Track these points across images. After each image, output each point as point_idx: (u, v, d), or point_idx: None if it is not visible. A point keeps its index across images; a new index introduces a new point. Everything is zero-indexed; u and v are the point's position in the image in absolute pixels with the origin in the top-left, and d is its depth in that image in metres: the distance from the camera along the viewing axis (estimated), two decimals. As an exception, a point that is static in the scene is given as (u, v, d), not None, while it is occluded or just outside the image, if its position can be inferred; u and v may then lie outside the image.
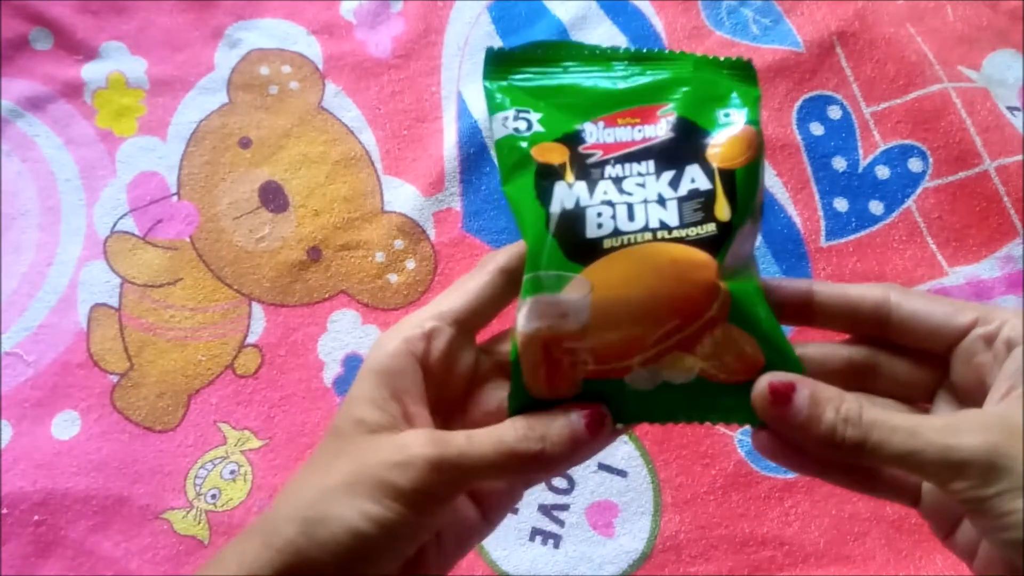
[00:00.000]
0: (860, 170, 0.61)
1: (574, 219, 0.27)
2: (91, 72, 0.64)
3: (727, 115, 0.28)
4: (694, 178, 0.27)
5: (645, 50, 0.30)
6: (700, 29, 0.65)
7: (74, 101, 0.64)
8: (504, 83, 0.29)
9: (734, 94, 0.29)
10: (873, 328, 0.29)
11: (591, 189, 0.27)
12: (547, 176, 0.28)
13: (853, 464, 0.29)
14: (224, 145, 0.63)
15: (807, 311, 0.29)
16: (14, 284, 0.60)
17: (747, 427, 0.28)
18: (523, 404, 0.27)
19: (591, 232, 0.26)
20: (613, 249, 0.26)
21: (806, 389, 0.26)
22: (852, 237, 0.60)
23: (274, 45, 0.65)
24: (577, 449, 0.26)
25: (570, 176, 0.27)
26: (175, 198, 0.62)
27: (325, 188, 0.62)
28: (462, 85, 0.64)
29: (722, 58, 0.30)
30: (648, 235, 0.26)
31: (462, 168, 0.62)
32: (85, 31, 0.64)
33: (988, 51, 0.63)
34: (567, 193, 0.27)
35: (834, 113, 0.63)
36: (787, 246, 0.60)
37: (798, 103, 0.63)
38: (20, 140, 0.63)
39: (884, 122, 0.62)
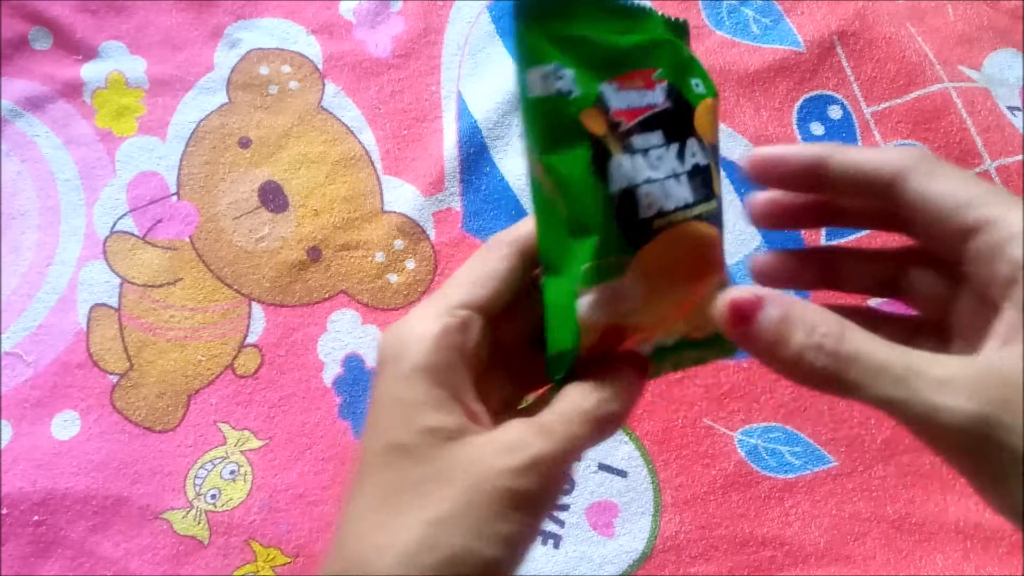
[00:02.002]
0: (860, 170, 0.61)
1: (631, 199, 0.25)
2: (90, 72, 0.64)
3: (696, 84, 0.27)
4: (694, 152, 0.26)
5: (632, 2, 0.27)
6: (701, 29, 0.65)
7: (73, 101, 0.64)
8: (539, 30, 0.25)
9: (693, 61, 0.28)
10: (887, 202, 0.25)
11: (634, 165, 0.25)
12: (600, 149, 0.25)
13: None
14: (224, 145, 0.63)
15: (818, 181, 0.26)
16: (14, 284, 0.60)
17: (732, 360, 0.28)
18: (568, 373, 0.26)
19: (643, 213, 0.25)
20: (659, 230, 0.25)
21: (775, 308, 0.23)
22: (852, 237, 0.59)
23: (274, 45, 0.65)
24: (636, 399, 0.26)
25: (616, 149, 0.25)
26: (175, 198, 0.62)
27: (325, 188, 0.62)
28: (462, 85, 0.64)
29: (672, 19, 0.28)
30: (680, 215, 0.26)
31: (462, 168, 0.62)
32: (84, 31, 0.64)
33: (989, 51, 0.63)
34: (621, 170, 0.25)
35: (834, 113, 0.62)
36: (787, 246, 0.60)
37: (798, 103, 0.63)
38: (20, 140, 0.63)
39: (884, 122, 0.62)
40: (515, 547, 0.22)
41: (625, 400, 0.25)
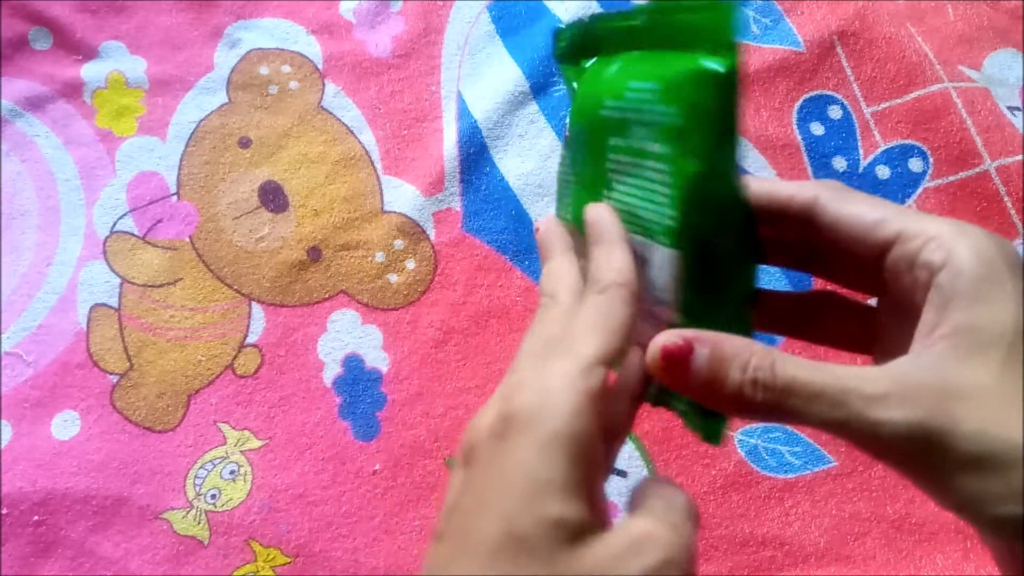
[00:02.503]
0: (860, 170, 0.61)
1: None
2: (90, 72, 0.64)
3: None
4: None
5: None
6: (700, 29, 0.65)
7: (73, 101, 0.64)
8: None
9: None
10: (803, 230, 0.26)
11: None
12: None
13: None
14: (224, 145, 0.63)
15: None
16: (14, 284, 0.60)
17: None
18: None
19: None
20: None
21: (704, 348, 0.22)
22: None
23: (274, 45, 0.65)
24: None
25: None
26: (175, 198, 0.62)
27: (325, 188, 0.62)
28: (462, 85, 0.64)
29: None
30: None
31: (462, 168, 0.62)
32: (84, 31, 0.64)
33: (989, 51, 0.63)
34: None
35: (834, 113, 0.62)
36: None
37: (798, 103, 0.63)
38: (20, 140, 0.63)
39: (884, 122, 0.62)
40: None
41: None
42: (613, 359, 0.23)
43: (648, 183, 0.25)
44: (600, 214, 0.27)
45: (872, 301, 0.28)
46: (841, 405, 0.21)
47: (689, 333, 0.23)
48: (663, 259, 0.25)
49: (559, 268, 0.27)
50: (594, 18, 0.29)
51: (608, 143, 0.27)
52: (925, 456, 0.21)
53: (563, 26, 0.31)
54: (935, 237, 0.23)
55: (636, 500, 0.24)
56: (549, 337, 0.24)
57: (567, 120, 0.30)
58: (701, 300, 0.24)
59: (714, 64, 0.23)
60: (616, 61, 0.28)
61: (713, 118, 0.23)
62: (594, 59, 0.29)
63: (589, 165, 0.28)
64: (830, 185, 0.26)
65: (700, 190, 0.24)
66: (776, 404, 0.22)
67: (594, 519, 0.21)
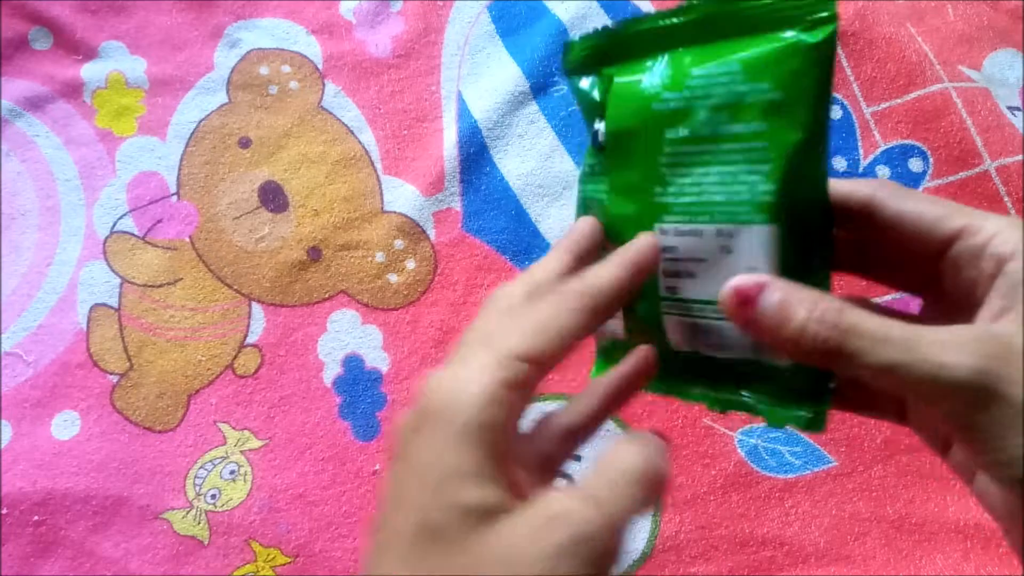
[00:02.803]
0: (860, 170, 0.61)
1: None
2: (90, 72, 0.64)
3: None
4: None
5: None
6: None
7: (73, 101, 0.64)
8: None
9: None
10: (860, 227, 0.27)
11: None
12: None
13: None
14: (224, 145, 0.63)
15: None
16: (14, 284, 0.60)
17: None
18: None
19: None
20: None
21: (777, 291, 0.24)
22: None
23: (274, 45, 0.65)
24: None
25: None
26: (175, 198, 0.62)
27: (325, 188, 0.62)
28: (462, 85, 0.64)
29: None
30: None
31: (462, 168, 0.62)
32: (84, 31, 0.64)
33: (989, 51, 0.63)
34: None
35: (834, 113, 0.62)
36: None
37: (798, 103, 0.63)
38: (20, 140, 0.63)
39: (885, 122, 0.62)
40: None
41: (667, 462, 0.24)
42: (542, 360, 0.23)
43: (730, 165, 0.26)
44: (641, 243, 0.27)
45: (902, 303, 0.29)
46: (906, 347, 0.22)
47: (763, 278, 0.24)
48: (755, 239, 0.25)
49: (537, 265, 0.27)
50: (620, 24, 0.29)
51: (665, 136, 0.27)
52: (982, 405, 0.21)
53: (578, 37, 0.31)
54: (1000, 231, 0.24)
55: (602, 459, 0.24)
56: (484, 332, 0.24)
57: (598, 127, 0.29)
58: (793, 278, 0.25)
59: (810, 37, 0.25)
60: (658, 59, 0.28)
61: (813, 88, 0.25)
62: (618, 65, 0.29)
63: (633, 167, 0.28)
64: (885, 183, 0.27)
65: (799, 161, 0.25)
66: (839, 344, 0.22)
67: (507, 500, 0.21)
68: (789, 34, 0.25)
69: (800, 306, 0.23)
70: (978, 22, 0.64)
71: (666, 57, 0.28)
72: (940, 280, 0.26)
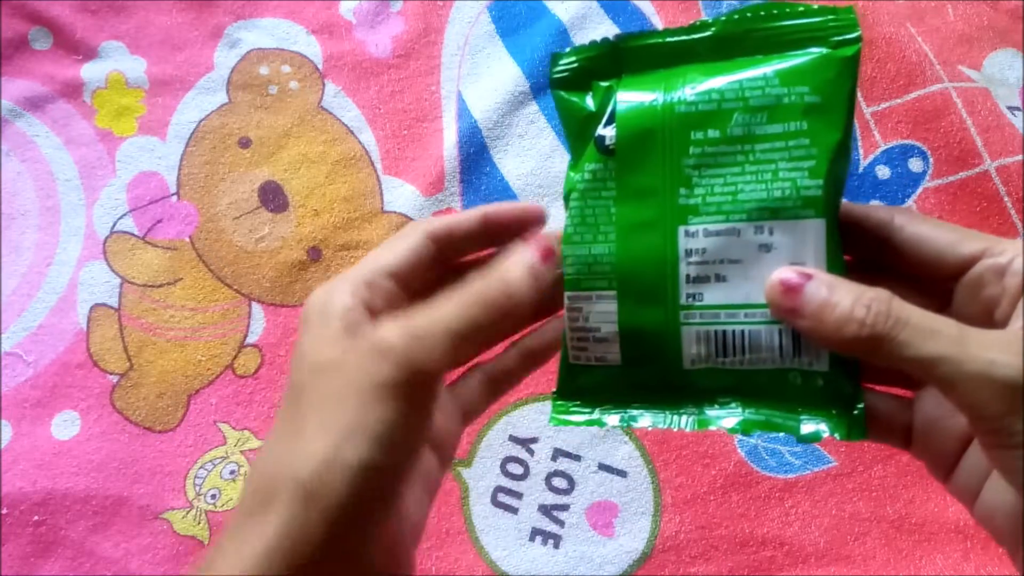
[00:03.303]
0: (860, 170, 0.61)
1: None
2: (90, 72, 0.64)
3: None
4: None
5: None
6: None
7: (73, 101, 0.64)
8: None
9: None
10: (876, 249, 0.28)
11: None
12: None
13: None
14: (224, 145, 0.63)
15: None
16: (14, 284, 0.60)
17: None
18: None
19: None
20: None
21: (823, 280, 0.24)
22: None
23: (274, 45, 0.65)
24: (539, 283, 0.26)
25: None
26: (175, 198, 0.62)
27: (325, 188, 0.62)
28: (462, 85, 0.64)
29: None
30: None
31: (462, 168, 0.62)
32: (84, 30, 0.64)
33: (989, 51, 0.63)
34: None
35: (834, 113, 0.62)
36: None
37: (798, 103, 0.63)
38: (20, 140, 0.63)
39: (884, 122, 0.62)
40: (386, 446, 0.23)
41: (518, 281, 0.25)
42: (394, 268, 0.27)
43: (768, 164, 0.26)
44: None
45: None
46: (958, 342, 0.22)
47: (809, 270, 0.25)
48: (802, 233, 0.26)
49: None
50: (620, 37, 0.30)
51: (690, 138, 0.27)
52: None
53: (567, 49, 0.31)
54: (1021, 252, 0.25)
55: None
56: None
57: (604, 132, 0.29)
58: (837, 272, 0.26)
59: (841, 53, 0.26)
60: (675, 69, 0.29)
61: (846, 95, 0.26)
62: (623, 76, 0.29)
63: (651, 170, 0.28)
64: (901, 209, 0.28)
65: (836, 160, 0.26)
66: (887, 333, 0.23)
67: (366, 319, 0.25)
68: (816, 50, 0.27)
69: (848, 294, 0.24)
70: (978, 22, 0.64)
71: (686, 68, 0.28)
72: (950, 301, 0.27)
